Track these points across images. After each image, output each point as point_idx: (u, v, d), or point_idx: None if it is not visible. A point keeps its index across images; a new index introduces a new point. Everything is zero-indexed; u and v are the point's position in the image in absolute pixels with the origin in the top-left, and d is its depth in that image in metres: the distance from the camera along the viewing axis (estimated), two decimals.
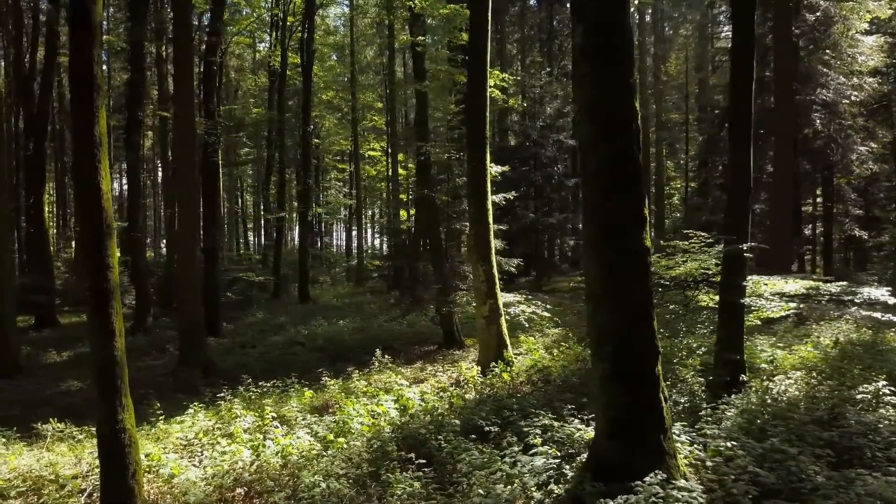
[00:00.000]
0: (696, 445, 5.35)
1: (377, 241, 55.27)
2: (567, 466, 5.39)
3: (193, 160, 13.60)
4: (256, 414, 7.81)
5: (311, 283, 28.78)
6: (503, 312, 11.03)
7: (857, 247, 25.03)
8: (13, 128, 27.06)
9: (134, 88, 19.92)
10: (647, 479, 4.59)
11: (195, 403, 8.53)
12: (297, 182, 35.46)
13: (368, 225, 50.16)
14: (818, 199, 26.19)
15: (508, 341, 10.88)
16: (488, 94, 11.14)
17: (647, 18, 38.52)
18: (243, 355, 14.68)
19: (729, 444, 5.08)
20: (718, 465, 5.06)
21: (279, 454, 6.11)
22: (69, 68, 5.38)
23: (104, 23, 24.66)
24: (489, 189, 10.94)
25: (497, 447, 6.24)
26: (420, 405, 7.89)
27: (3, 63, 29.65)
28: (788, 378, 8.29)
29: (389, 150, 35.74)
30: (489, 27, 11.04)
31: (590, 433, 6.06)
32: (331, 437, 6.59)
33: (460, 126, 15.78)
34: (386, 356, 11.03)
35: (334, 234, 61.86)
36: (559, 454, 5.60)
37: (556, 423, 6.47)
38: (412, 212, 35.51)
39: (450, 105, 15.39)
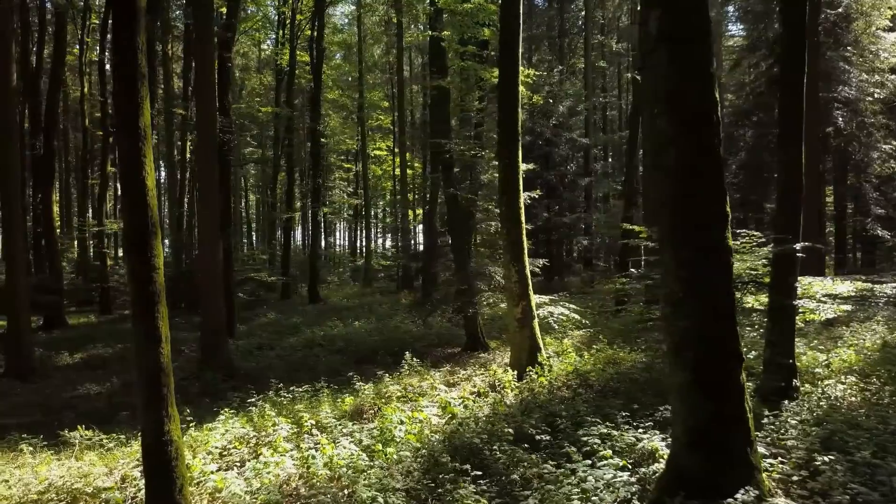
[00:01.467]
0: (780, 458, 5.03)
1: (381, 241, 55.00)
2: (634, 479, 5.09)
3: (214, 158, 13.25)
4: (291, 421, 7.49)
5: (320, 284, 28.48)
6: (536, 314, 10.71)
7: (866, 247, 24.77)
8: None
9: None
10: (738, 496, 4.28)
11: (225, 409, 8.23)
12: (301, 181, 35.09)
13: (373, 224, 49.81)
14: (828, 198, 25.92)
15: (542, 344, 10.55)
16: (520, 90, 10.83)
17: None
18: (263, 357, 14.32)
19: (827, 459, 4.74)
20: (806, 480, 4.76)
21: (326, 465, 5.79)
22: (112, 56, 5.05)
23: (110, 21, 24.27)
24: (521, 187, 10.62)
25: (551, 457, 5.93)
26: (462, 412, 7.58)
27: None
28: (841, 383, 7.98)
29: (396, 150, 35.39)
30: (521, 20, 10.74)
31: (653, 443, 5.75)
32: (378, 446, 6.26)
33: (481, 123, 15.47)
34: (414, 359, 10.71)
35: (337, 234, 61.59)
36: (629, 466, 5.29)
37: (614, 432, 6.17)
38: (419, 212, 35.23)
39: (473, 102, 15.02)
